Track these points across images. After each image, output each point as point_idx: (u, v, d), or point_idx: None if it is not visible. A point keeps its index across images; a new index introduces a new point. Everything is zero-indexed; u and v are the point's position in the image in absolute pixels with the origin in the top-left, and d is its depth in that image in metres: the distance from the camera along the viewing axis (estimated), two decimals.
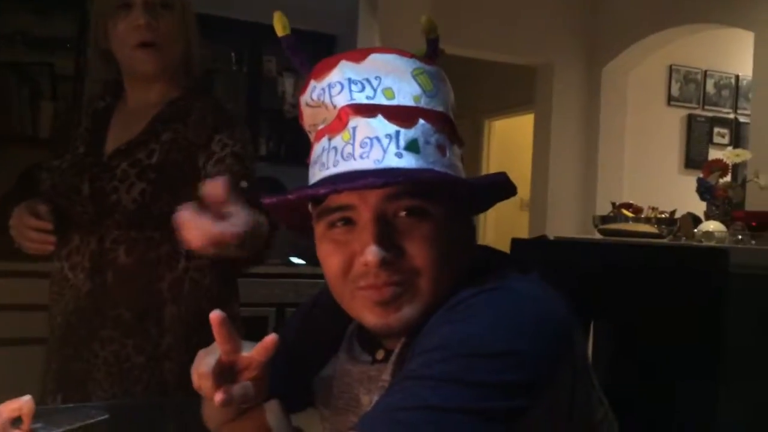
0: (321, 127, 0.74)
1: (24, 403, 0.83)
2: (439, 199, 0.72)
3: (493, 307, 0.68)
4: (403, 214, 0.71)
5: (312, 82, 0.75)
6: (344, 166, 0.70)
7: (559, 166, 4.73)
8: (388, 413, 0.65)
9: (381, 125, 0.70)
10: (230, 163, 1.36)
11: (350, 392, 0.82)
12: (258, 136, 3.84)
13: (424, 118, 0.71)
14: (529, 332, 0.67)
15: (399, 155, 0.69)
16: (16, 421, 0.83)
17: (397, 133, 0.70)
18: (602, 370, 1.05)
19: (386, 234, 0.70)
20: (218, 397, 0.69)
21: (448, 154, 0.72)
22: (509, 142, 6.01)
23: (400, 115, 0.71)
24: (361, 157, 0.70)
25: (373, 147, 0.70)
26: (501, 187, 0.78)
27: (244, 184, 1.38)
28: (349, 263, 0.72)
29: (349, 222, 0.72)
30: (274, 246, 1.36)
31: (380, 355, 0.80)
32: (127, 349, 1.29)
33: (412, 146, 0.70)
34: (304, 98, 0.76)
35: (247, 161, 1.40)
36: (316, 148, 0.74)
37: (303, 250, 3.81)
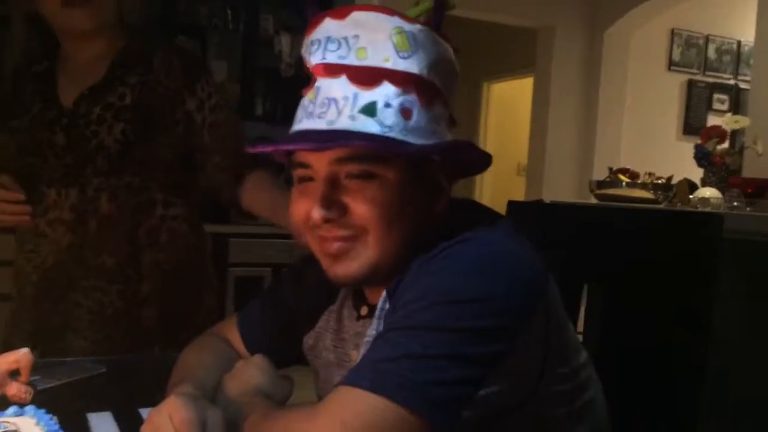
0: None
1: (22, 355, 0.84)
2: (390, 163, 0.74)
3: (467, 257, 0.70)
4: (350, 176, 0.74)
5: (306, 38, 0.77)
6: (305, 124, 0.74)
7: (557, 131, 4.70)
8: (373, 365, 0.67)
9: (341, 87, 0.72)
10: (228, 116, 1.42)
11: (342, 347, 0.86)
12: (254, 96, 3.80)
13: (389, 80, 0.72)
14: (503, 279, 0.70)
15: (352, 118, 0.71)
16: (14, 373, 0.84)
17: (355, 95, 0.72)
18: (595, 332, 1.06)
19: (332, 194, 0.74)
20: None
21: (414, 118, 0.73)
22: (508, 105, 5.97)
23: (363, 77, 0.72)
24: (318, 117, 0.73)
25: (330, 108, 0.72)
26: (468, 153, 0.79)
27: (246, 144, 1.42)
28: (308, 214, 0.76)
29: (311, 178, 0.76)
30: None
31: (364, 311, 0.84)
32: (111, 296, 1.31)
33: (367, 109, 0.72)
34: (302, 53, 0.78)
35: (233, 111, 1.46)
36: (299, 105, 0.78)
37: None
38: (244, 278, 3.40)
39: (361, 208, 0.74)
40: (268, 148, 0.76)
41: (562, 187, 4.58)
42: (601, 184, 3.11)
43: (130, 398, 0.91)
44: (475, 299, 0.67)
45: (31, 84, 1.38)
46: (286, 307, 0.95)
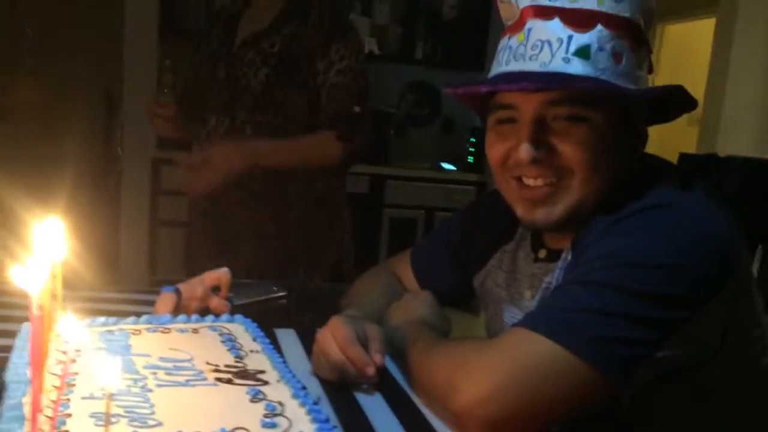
0: (508, 24, 0.77)
1: (222, 274, 0.97)
2: (600, 106, 0.73)
3: (659, 222, 0.69)
4: (559, 118, 0.73)
5: None
6: (513, 66, 0.74)
7: (739, 78, 4.28)
8: (552, 313, 0.69)
9: (555, 28, 0.71)
10: (350, 80, 1.48)
11: (515, 286, 0.88)
12: (415, 39, 3.83)
13: (603, 23, 0.71)
14: (695, 249, 0.68)
15: (566, 60, 0.71)
16: (215, 289, 0.98)
17: (570, 37, 0.71)
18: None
19: (540, 135, 0.74)
20: (371, 370, 0.75)
21: (624, 62, 0.72)
22: (683, 48, 5.51)
23: (577, 19, 0.71)
24: (530, 58, 0.72)
25: (543, 50, 0.71)
26: (678, 100, 0.77)
27: (357, 109, 1.50)
28: (507, 155, 0.77)
29: (512, 120, 0.76)
30: (349, 166, 1.54)
31: (542, 254, 0.85)
32: (260, 218, 1.48)
33: (582, 52, 0.70)
34: None
35: (363, 77, 1.52)
36: (499, 45, 0.78)
37: (453, 156, 3.84)
38: (399, 219, 3.52)
39: (570, 150, 0.73)
40: (482, 88, 0.76)
41: (740, 140, 4.19)
42: None
43: (309, 319, 1.02)
44: (663, 265, 0.66)
45: (221, 26, 1.57)
46: (457, 245, 1.00)
